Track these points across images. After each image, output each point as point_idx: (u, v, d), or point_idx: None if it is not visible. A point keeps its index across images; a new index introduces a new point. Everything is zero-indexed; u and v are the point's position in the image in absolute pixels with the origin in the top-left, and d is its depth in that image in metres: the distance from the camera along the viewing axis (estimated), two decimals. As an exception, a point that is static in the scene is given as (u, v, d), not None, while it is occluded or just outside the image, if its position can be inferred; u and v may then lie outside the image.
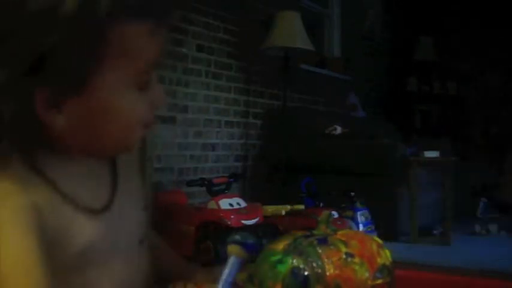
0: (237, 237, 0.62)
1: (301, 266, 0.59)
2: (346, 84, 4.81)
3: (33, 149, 0.67)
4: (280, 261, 0.61)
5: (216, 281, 0.68)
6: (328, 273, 0.58)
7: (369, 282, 0.59)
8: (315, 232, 0.66)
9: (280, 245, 0.63)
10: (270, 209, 2.70)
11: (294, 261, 0.60)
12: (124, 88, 0.66)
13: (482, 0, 5.19)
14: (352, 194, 3.09)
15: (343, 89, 4.79)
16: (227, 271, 0.64)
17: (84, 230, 0.68)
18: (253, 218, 2.54)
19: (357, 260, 0.60)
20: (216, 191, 2.64)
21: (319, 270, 0.58)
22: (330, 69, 4.61)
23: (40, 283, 0.61)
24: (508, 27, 5.21)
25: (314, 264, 0.59)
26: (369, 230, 3.04)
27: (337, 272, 0.58)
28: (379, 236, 0.81)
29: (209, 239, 2.40)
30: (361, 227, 3.01)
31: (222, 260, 0.89)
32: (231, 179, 2.79)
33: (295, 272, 0.59)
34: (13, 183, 0.63)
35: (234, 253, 0.66)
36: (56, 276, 0.65)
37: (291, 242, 0.63)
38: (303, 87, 4.32)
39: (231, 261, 0.64)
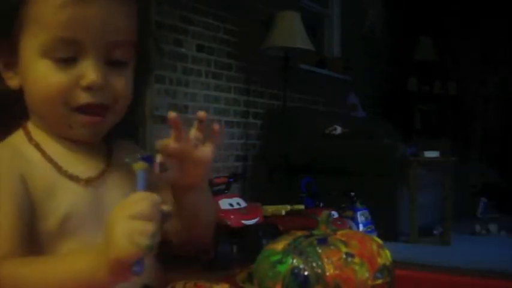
0: (137, 155, 0.62)
1: (301, 266, 0.59)
2: (346, 84, 4.81)
3: (17, 120, 0.74)
4: (280, 261, 0.61)
5: (217, 281, 0.68)
6: (328, 273, 0.58)
7: (369, 283, 0.59)
8: (314, 232, 0.66)
9: (280, 245, 0.63)
10: (270, 209, 2.70)
11: (294, 261, 0.60)
12: (38, 57, 0.69)
13: (482, 0, 5.19)
14: (352, 194, 3.09)
15: (343, 89, 4.79)
16: (139, 185, 0.63)
17: (67, 196, 0.71)
18: (253, 218, 2.54)
19: (357, 260, 0.60)
20: (216, 191, 2.64)
21: (319, 270, 0.58)
22: (330, 69, 4.61)
23: (6, 242, 0.65)
24: (508, 27, 5.21)
25: (314, 264, 0.59)
26: (369, 230, 3.04)
27: (337, 272, 0.58)
28: (379, 236, 0.81)
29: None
30: (361, 227, 3.01)
31: (222, 260, 0.89)
32: (231, 179, 2.79)
33: (295, 272, 0.59)
34: (6, 151, 0.71)
35: (138, 167, 0.64)
36: (38, 243, 0.68)
37: (290, 242, 0.63)
38: (303, 87, 4.32)
39: (138, 174, 0.64)
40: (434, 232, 3.52)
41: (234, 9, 3.64)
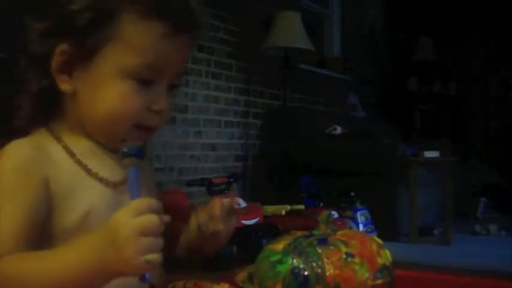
0: (125, 150, 0.66)
1: (301, 266, 0.59)
2: (346, 84, 4.80)
3: (51, 118, 0.78)
4: (280, 261, 0.61)
5: (217, 281, 0.68)
6: (328, 273, 0.58)
7: (369, 283, 0.59)
8: (314, 232, 0.66)
9: (280, 245, 0.63)
10: (270, 209, 2.70)
11: (294, 261, 0.60)
12: (120, 76, 0.73)
13: (482, 0, 5.19)
14: (352, 194, 3.09)
15: (343, 89, 4.79)
16: (130, 182, 0.65)
17: (90, 195, 0.74)
18: (253, 218, 2.54)
19: (357, 260, 0.60)
20: (216, 191, 2.63)
21: (319, 270, 0.58)
22: (330, 69, 4.60)
23: (9, 238, 0.66)
24: (508, 27, 5.21)
25: (314, 264, 0.59)
26: (369, 230, 3.04)
27: (337, 272, 0.58)
28: (379, 236, 0.80)
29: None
30: (361, 227, 3.01)
31: (222, 260, 0.89)
32: (231, 179, 2.79)
33: (295, 272, 0.59)
34: (30, 148, 0.73)
35: (128, 164, 0.66)
36: (58, 239, 0.71)
37: (290, 242, 0.63)
38: (303, 87, 4.31)
39: (130, 172, 0.66)
40: (434, 232, 3.52)
41: (234, 9, 3.64)
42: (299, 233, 0.66)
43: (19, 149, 0.73)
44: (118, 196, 0.76)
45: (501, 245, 3.31)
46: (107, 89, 0.73)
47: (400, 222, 3.37)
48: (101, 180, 0.76)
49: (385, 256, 0.63)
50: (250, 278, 0.65)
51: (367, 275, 0.59)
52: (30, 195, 0.70)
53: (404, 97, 5.62)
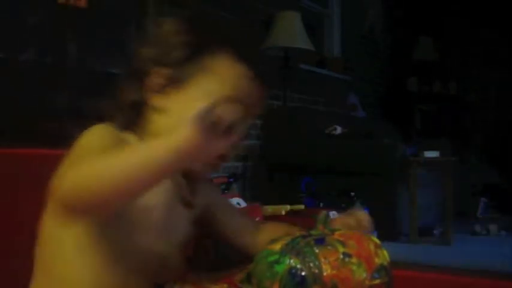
0: None
1: (299, 266, 0.59)
2: (346, 84, 4.80)
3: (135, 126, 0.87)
4: (277, 262, 0.61)
5: (215, 281, 0.68)
6: (325, 274, 0.58)
7: (367, 283, 0.59)
8: (312, 232, 0.66)
9: (278, 245, 0.63)
10: (270, 209, 2.70)
11: (291, 261, 0.60)
12: (207, 102, 0.79)
13: (482, 0, 5.19)
14: (352, 194, 3.09)
15: (343, 89, 4.79)
16: None
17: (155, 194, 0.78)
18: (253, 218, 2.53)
19: (354, 260, 0.60)
20: (216, 191, 2.63)
21: (316, 271, 0.59)
22: (330, 69, 4.60)
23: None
24: (509, 27, 5.21)
25: (311, 265, 0.59)
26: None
27: (334, 272, 0.58)
28: (379, 236, 0.80)
29: (209, 239, 2.39)
30: (361, 227, 3.01)
31: (221, 260, 0.89)
32: (231, 179, 2.78)
33: (292, 272, 0.59)
34: (114, 130, 0.83)
35: None
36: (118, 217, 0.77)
37: (288, 242, 0.63)
38: (303, 87, 4.31)
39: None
40: (434, 232, 3.52)
41: (234, 9, 3.64)
42: (297, 233, 0.66)
43: (104, 127, 0.82)
44: (174, 200, 0.86)
45: (501, 245, 3.30)
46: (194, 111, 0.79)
47: (400, 222, 3.37)
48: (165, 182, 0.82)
49: (383, 256, 0.63)
50: (249, 278, 0.65)
51: (364, 275, 0.59)
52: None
53: (404, 97, 5.62)
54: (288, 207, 2.76)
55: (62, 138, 0.82)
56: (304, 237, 0.64)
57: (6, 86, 2.14)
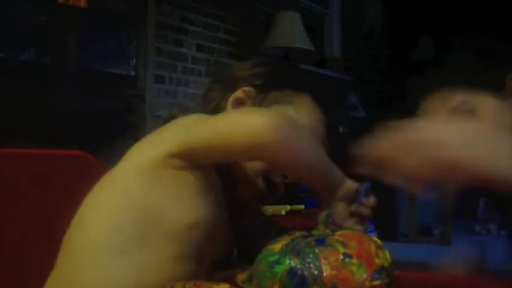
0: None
1: (298, 266, 0.59)
2: (346, 84, 4.80)
3: None
4: (277, 262, 0.61)
5: (217, 281, 0.68)
6: (325, 274, 0.58)
7: (367, 283, 0.59)
8: (313, 232, 0.66)
9: (278, 245, 0.63)
10: (270, 209, 2.70)
11: (291, 261, 0.60)
12: None
13: (482, 0, 5.19)
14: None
15: (343, 89, 4.79)
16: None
17: (203, 209, 0.80)
18: (253, 218, 2.53)
19: (354, 261, 0.60)
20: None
21: (316, 271, 0.59)
22: (330, 69, 4.60)
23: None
24: (508, 26, 5.21)
25: (311, 265, 0.59)
26: (369, 229, 3.04)
27: (334, 272, 0.58)
28: (379, 236, 0.80)
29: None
30: (361, 227, 3.01)
31: (222, 260, 0.89)
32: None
33: (292, 272, 0.59)
34: None
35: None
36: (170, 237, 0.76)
37: (288, 243, 0.63)
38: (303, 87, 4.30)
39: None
40: (434, 232, 3.52)
41: (234, 9, 3.64)
42: (297, 233, 0.66)
43: None
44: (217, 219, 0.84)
45: (501, 245, 3.30)
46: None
47: (400, 222, 3.37)
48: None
49: (384, 257, 0.63)
50: (251, 278, 0.65)
51: (364, 275, 0.59)
52: None
53: (404, 97, 5.61)
54: (288, 207, 2.76)
55: (62, 138, 0.81)
56: (304, 237, 0.64)
57: (6, 86, 2.14)
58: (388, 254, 0.64)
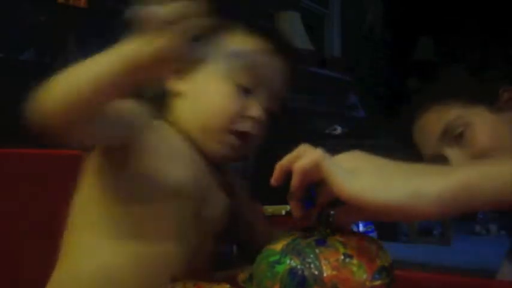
0: None
1: (299, 266, 0.59)
2: (346, 84, 4.80)
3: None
4: (278, 262, 0.61)
5: (217, 281, 0.68)
6: (325, 274, 0.58)
7: (367, 284, 0.59)
8: (314, 233, 0.66)
9: (279, 245, 0.63)
10: (270, 209, 2.70)
11: (292, 261, 0.60)
12: (225, 80, 0.83)
13: (482, 1, 5.19)
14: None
15: (343, 89, 4.78)
16: None
17: (179, 170, 0.81)
18: (253, 218, 2.53)
19: (355, 261, 0.60)
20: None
21: (316, 271, 0.59)
22: (330, 69, 4.60)
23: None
24: (509, 27, 5.21)
25: (312, 265, 0.59)
26: (369, 229, 3.04)
27: (334, 273, 0.58)
28: (379, 236, 0.80)
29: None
30: (361, 227, 3.01)
31: (222, 260, 0.89)
32: (231, 179, 2.78)
33: (292, 272, 0.59)
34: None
35: None
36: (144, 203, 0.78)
37: (289, 243, 0.63)
38: (303, 87, 4.31)
39: None
40: (434, 232, 3.52)
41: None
42: (298, 233, 0.66)
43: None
44: (204, 192, 0.84)
45: (501, 245, 3.30)
46: (211, 89, 0.84)
47: (400, 222, 3.36)
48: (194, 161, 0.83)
49: (385, 257, 0.63)
50: (251, 278, 0.65)
51: (364, 276, 0.59)
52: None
53: (404, 97, 5.61)
54: (288, 207, 2.75)
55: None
56: (305, 237, 0.64)
57: (6, 86, 2.14)
58: (388, 254, 0.64)
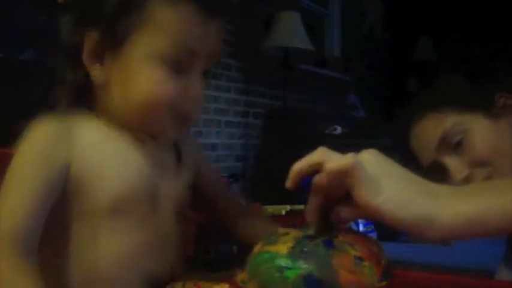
0: None
1: (314, 272, 0.57)
2: (346, 84, 4.80)
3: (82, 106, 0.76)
4: (288, 266, 0.58)
5: (217, 281, 0.68)
6: (342, 278, 0.56)
7: (376, 285, 0.58)
8: (308, 231, 0.65)
9: (281, 247, 0.61)
10: (270, 209, 2.70)
11: (305, 266, 0.58)
12: (153, 61, 0.70)
13: (482, 1, 5.19)
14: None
15: (343, 89, 4.79)
16: None
17: (123, 180, 0.72)
18: (253, 218, 2.53)
19: (366, 263, 0.58)
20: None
21: (332, 276, 0.57)
22: (330, 69, 4.60)
23: (18, 227, 0.65)
24: (509, 27, 5.21)
25: (326, 269, 0.57)
26: (369, 230, 3.04)
27: (350, 277, 0.57)
28: (379, 236, 0.80)
29: (209, 239, 2.39)
30: (361, 227, 3.01)
31: (222, 260, 0.89)
32: (231, 179, 2.78)
33: (306, 277, 0.57)
34: (56, 129, 0.71)
35: None
36: (84, 223, 0.71)
37: (295, 245, 0.61)
38: (303, 87, 4.31)
39: None
40: (434, 232, 3.51)
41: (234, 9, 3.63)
42: (299, 234, 0.64)
43: (45, 128, 0.72)
44: (155, 181, 0.76)
45: (501, 245, 3.30)
46: (140, 75, 0.71)
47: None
48: (134, 162, 0.74)
49: (385, 258, 0.63)
50: (251, 278, 0.65)
51: (375, 278, 0.58)
52: (45, 181, 0.68)
53: (404, 97, 5.61)
54: (288, 207, 2.75)
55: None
56: (309, 238, 0.62)
57: (6, 86, 2.14)
58: (385, 255, 0.64)
